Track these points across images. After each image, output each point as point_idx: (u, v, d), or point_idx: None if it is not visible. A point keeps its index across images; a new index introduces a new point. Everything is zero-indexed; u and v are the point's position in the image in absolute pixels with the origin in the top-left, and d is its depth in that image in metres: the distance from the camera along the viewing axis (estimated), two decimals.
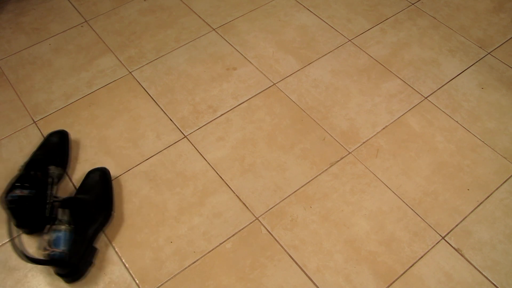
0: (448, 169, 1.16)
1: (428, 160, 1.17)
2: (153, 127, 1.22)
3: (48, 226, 0.94)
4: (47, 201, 0.99)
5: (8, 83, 1.32)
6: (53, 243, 0.91)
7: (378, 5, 1.55)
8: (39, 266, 0.99)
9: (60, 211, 0.95)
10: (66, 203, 0.96)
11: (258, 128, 1.23)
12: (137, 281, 0.98)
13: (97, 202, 1.03)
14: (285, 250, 1.02)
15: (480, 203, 1.10)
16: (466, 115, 1.26)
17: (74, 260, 0.93)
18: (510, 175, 1.15)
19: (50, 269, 0.98)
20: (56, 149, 1.11)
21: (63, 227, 0.93)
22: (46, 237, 0.93)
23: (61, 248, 0.91)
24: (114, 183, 1.12)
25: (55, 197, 0.99)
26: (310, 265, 1.00)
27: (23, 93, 1.30)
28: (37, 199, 0.98)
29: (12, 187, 0.98)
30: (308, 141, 1.20)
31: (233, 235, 1.04)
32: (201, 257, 1.01)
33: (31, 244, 1.02)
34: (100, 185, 1.06)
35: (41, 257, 0.93)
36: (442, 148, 1.20)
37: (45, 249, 0.92)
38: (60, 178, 1.07)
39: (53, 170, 1.03)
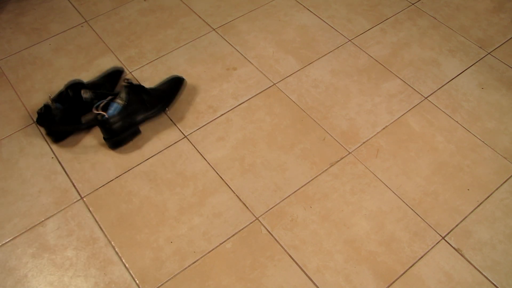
0: (448, 169, 1.16)
1: (428, 160, 1.17)
2: (153, 127, 1.22)
3: (109, 97, 1.15)
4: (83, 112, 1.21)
5: (8, 83, 1.32)
6: (103, 109, 1.12)
7: (378, 5, 1.55)
8: (38, 265, 0.99)
9: (123, 90, 1.14)
10: (130, 86, 1.15)
11: (258, 128, 1.23)
12: (137, 281, 0.98)
13: (158, 96, 1.21)
14: (285, 250, 1.02)
15: (480, 203, 1.10)
16: (466, 115, 1.26)
17: (115, 128, 1.13)
18: (510, 175, 1.15)
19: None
20: (106, 79, 1.28)
21: (118, 100, 1.13)
22: (101, 104, 1.13)
23: (108, 113, 1.12)
24: (114, 183, 1.12)
25: (126, 79, 1.17)
26: (310, 265, 1.00)
27: (23, 93, 1.30)
28: (64, 113, 1.16)
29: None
30: (308, 141, 1.20)
31: (233, 235, 1.04)
32: (201, 257, 1.01)
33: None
34: (169, 85, 1.25)
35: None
36: (442, 148, 1.20)
37: (94, 109, 1.12)
38: (91, 100, 1.19)
39: (83, 93, 1.17)
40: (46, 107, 1.15)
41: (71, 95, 1.17)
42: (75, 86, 1.18)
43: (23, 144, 1.18)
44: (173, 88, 1.26)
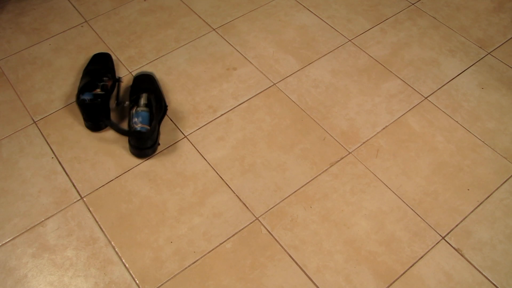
0: (448, 169, 1.16)
1: (428, 160, 1.17)
2: None
3: (134, 108, 1.16)
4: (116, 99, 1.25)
5: (8, 83, 1.32)
6: (140, 121, 1.13)
7: (378, 5, 1.55)
8: (38, 265, 0.99)
9: (143, 96, 1.17)
10: (150, 91, 1.19)
11: (258, 128, 1.23)
12: (137, 281, 0.98)
13: (159, 95, 1.24)
14: (285, 250, 1.02)
15: (480, 203, 1.10)
16: (466, 115, 1.27)
17: (153, 136, 1.15)
18: (510, 175, 1.15)
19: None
20: (105, 64, 1.31)
21: (145, 109, 1.16)
22: (134, 117, 1.14)
23: (146, 124, 1.14)
24: (114, 183, 1.12)
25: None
26: (310, 265, 1.00)
27: (23, 93, 1.30)
28: (104, 100, 1.19)
29: (82, 90, 1.19)
30: (308, 141, 1.20)
31: (233, 235, 1.04)
32: (201, 257, 1.01)
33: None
34: (154, 84, 1.27)
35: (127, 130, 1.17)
36: (442, 148, 1.20)
37: (135, 124, 1.13)
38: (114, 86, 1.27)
39: (106, 81, 1.23)
40: (91, 100, 1.17)
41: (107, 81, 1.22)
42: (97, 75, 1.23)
43: (23, 144, 1.19)
44: (157, 85, 1.28)
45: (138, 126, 1.12)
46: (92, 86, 1.20)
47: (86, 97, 1.17)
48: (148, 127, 1.13)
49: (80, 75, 1.31)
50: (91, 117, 1.19)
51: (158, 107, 1.19)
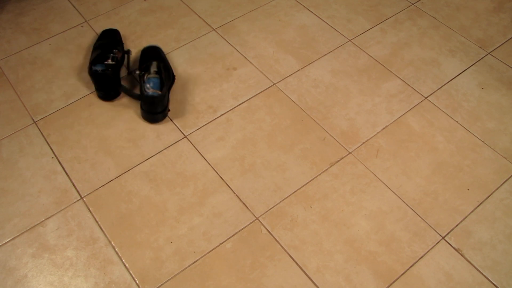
0: (448, 169, 1.16)
1: (428, 160, 1.17)
2: (153, 127, 1.22)
3: (146, 75, 1.22)
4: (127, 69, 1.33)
5: (8, 83, 1.32)
6: (151, 86, 1.20)
7: (378, 5, 1.55)
8: (38, 265, 0.99)
9: (154, 64, 1.23)
10: (159, 60, 1.26)
11: (258, 128, 1.23)
12: (137, 281, 0.98)
13: (167, 64, 1.31)
14: (285, 250, 1.02)
15: (480, 203, 1.10)
16: (466, 115, 1.27)
17: (164, 102, 1.21)
18: (510, 175, 1.15)
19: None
20: (113, 38, 1.38)
21: (156, 76, 1.22)
22: (146, 83, 1.20)
23: (157, 89, 1.20)
24: (114, 183, 1.12)
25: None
26: (310, 265, 1.00)
27: (23, 93, 1.30)
28: (115, 70, 1.25)
29: (93, 62, 1.26)
30: (308, 141, 1.20)
31: (233, 235, 1.04)
32: (201, 257, 1.01)
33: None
34: (161, 57, 1.34)
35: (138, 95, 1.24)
36: (442, 148, 1.20)
37: (147, 89, 1.19)
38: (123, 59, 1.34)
39: (116, 53, 1.30)
40: (104, 70, 1.24)
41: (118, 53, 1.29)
42: (106, 48, 1.30)
43: (23, 144, 1.19)
44: (164, 58, 1.34)
45: (150, 91, 1.19)
46: (103, 58, 1.27)
47: (98, 68, 1.24)
48: (160, 92, 1.19)
49: (90, 54, 1.37)
50: (103, 87, 1.25)
51: (167, 75, 1.25)
